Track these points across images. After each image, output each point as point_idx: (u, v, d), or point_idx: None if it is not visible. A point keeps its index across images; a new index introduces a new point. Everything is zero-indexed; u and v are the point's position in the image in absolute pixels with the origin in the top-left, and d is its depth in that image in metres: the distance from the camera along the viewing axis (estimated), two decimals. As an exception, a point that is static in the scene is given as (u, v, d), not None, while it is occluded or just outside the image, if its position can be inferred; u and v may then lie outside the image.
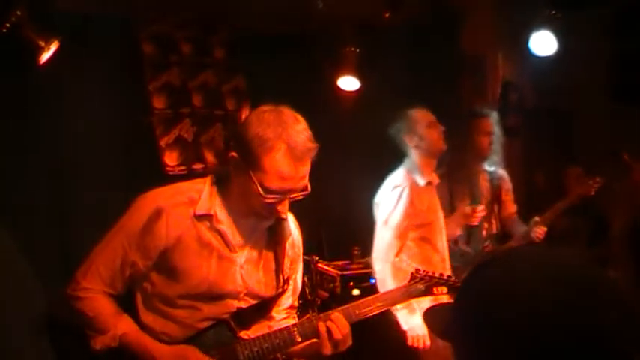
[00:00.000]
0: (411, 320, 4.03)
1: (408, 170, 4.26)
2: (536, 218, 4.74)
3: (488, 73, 5.88)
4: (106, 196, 4.87)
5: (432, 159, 4.29)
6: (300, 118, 2.35)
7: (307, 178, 2.37)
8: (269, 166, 2.27)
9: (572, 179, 5.51)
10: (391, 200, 4.17)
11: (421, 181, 4.21)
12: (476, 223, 4.47)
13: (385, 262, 4.11)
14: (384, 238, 4.16)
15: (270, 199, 2.31)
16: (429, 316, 1.38)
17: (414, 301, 3.70)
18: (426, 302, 3.78)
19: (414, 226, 4.16)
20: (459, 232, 4.51)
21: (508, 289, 1.04)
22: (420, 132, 4.21)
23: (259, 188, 2.29)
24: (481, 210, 4.45)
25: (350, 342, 2.51)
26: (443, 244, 4.31)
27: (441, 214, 4.34)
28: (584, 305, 1.01)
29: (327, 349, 2.47)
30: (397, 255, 4.15)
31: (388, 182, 4.29)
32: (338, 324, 2.47)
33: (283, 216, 2.47)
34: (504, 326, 1.01)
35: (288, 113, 2.33)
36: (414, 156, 4.26)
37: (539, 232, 4.67)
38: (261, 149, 2.26)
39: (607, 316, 1.00)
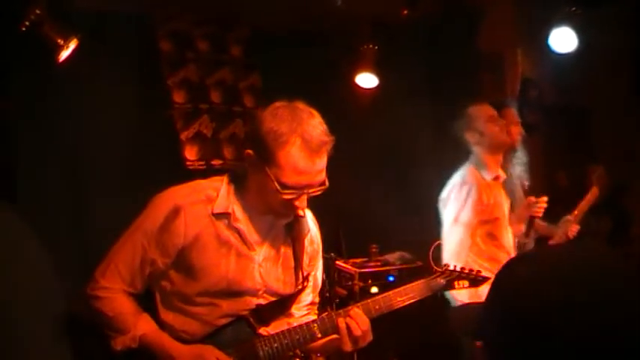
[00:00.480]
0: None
1: (474, 166, 4.20)
2: (568, 217, 4.70)
3: (507, 70, 5.84)
4: (127, 191, 4.89)
5: (496, 154, 4.24)
6: (315, 113, 2.34)
7: (324, 172, 2.35)
8: (285, 160, 2.25)
9: (594, 177, 5.46)
10: (460, 197, 4.08)
11: (488, 177, 4.16)
12: (540, 215, 4.35)
13: (458, 262, 4.00)
14: (455, 236, 4.05)
15: (288, 194, 2.30)
16: (456, 315, 1.36)
17: None
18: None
19: (482, 222, 4.08)
20: (523, 227, 4.39)
21: (540, 288, 1.03)
22: (480, 128, 4.17)
23: (276, 184, 2.27)
24: (544, 200, 4.31)
25: (370, 338, 2.50)
26: (508, 240, 4.24)
27: (506, 210, 4.27)
28: (617, 303, 0.99)
29: (347, 346, 2.45)
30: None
31: (455, 179, 4.19)
32: (357, 320, 2.45)
33: (301, 212, 2.46)
34: (537, 325, 1.00)
35: (302, 108, 2.33)
36: (478, 152, 4.21)
37: (573, 230, 4.63)
38: (275, 144, 2.25)
39: (632, 317, 0.98)
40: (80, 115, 5.05)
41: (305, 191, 2.33)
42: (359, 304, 2.54)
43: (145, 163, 5.30)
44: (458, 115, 4.28)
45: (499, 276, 1.15)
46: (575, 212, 4.73)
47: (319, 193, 2.38)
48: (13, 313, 1.49)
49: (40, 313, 1.59)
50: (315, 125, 2.29)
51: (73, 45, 4.23)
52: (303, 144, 2.25)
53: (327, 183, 2.37)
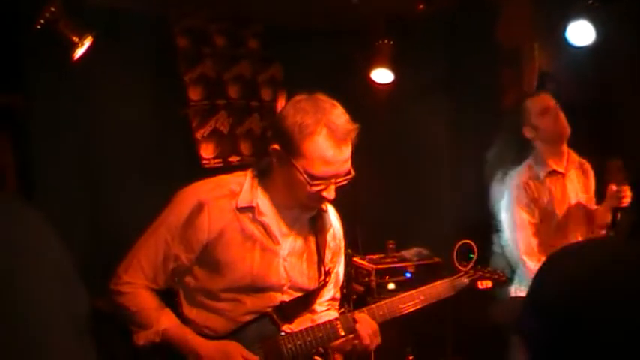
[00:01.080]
0: None
1: (531, 163, 4.06)
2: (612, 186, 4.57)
3: (524, 65, 5.80)
4: (142, 190, 4.89)
5: (555, 146, 4.09)
6: (337, 103, 2.36)
7: (350, 161, 2.35)
8: (312, 151, 2.26)
9: (613, 171, 5.41)
10: (512, 200, 4.00)
11: (541, 173, 4.02)
12: (626, 204, 4.10)
13: (532, 261, 3.85)
14: (519, 240, 3.94)
15: (317, 185, 2.30)
16: (498, 311, 1.35)
17: None
18: None
19: (544, 220, 3.97)
20: (609, 217, 4.17)
21: (586, 282, 1.00)
22: (533, 122, 4.04)
23: (304, 176, 2.28)
24: (626, 189, 4.10)
25: (378, 341, 2.53)
26: (584, 234, 4.12)
27: (574, 202, 4.12)
28: None
29: (366, 340, 2.50)
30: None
31: (510, 181, 4.08)
32: (363, 324, 2.49)
33: (330, 199, 2.43)
34: (576, 322, 0.98)
35: (324, 99, 2.34)
36: (538, 148, 4.07)
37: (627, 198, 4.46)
38: (301, 136, 2.26)
39: None
40: (95, 113, 5.05)
41: (333, 181, 2.33)
42: (383, 302, 2.56)
43: (161, 162, 5.31)
44: (512, 112, 4.20)
45: (541, 270, 1.13)
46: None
47: (346, 182, 2.38)
48: (37, 313, 1.48)
49: (63, 311, 1.58)
50: (339, 115, 2.31)
51: (88, 42, 4.23)
52: (329, 133, 2.26)
53: (352, 172, 2.37)
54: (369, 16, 5.52)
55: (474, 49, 5.58)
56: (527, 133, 4.04)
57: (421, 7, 5.20)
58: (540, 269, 1.13)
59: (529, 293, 1.11)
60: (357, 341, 2.51)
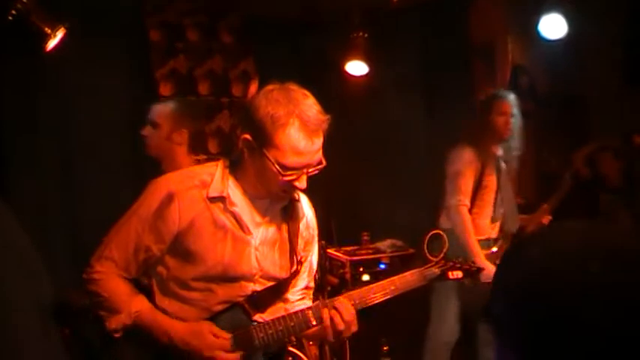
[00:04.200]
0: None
1: None
2: (544, 206, 4.75)
3: (497, 58, 5.84)
4: (116, 183, 4.88)
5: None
6: (308, 93, 2.36)
7: (321, 151, 2.37)
8: (284, 142, 2.27)
9: (604, 163, 5.49)
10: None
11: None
12: None
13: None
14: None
15: (288, 175, 2.32)
16: (467, 297, 1.36)
17: None
18: None
19: None
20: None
21: (554, 266, 1.01)
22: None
23: (276, 166, 2.29)
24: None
25: (355, 329, 2.51)
26: None
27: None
28: (632, 281, 0.98)
29: (330, 337, 2.49)
30: None
31: None
32: (342, 312, 2.47)
33: (302, 188, 2.44)
34: (552, 305, 0.98)
35: (295, 89, 2.35)
36: None
37: (546, 220, 4.69)
38: (273, 127, 2.27)
39: None
40: (69, 104, 5.03)
41: (304, 171, 2.35)
42: (353, 292, 2.56)
43: (135, 157, 5.29)
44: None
45: (507, 256, 1.13)
46: (550, 202, 4.78)
47: (317, 172, 2.39)
48: (6, 307, 1.48)
49: (28, 298, 1.58)
50: (311, 105, 2.32)
51: (60, 34, 4.19)
52: (301, 124, 2.27)
53: (324, 162, 2.39)
54: (344, 9, 5.52)
55: (448, 42, 5.61)
56: None
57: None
58: (509, 253, 1.14)
59: (497, 277, 1.12)
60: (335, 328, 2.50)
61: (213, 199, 2.42)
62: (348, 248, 5.55)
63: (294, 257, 2.58)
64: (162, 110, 3.94)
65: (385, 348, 5.15)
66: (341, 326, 2.45)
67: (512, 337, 1.05)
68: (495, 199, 4.58)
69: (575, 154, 5.19)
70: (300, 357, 4.51)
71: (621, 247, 1.03)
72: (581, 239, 1.04)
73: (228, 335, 2.42)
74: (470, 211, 4.46)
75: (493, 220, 4.59)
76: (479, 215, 4.53)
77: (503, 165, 4.65)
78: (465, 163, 4.50)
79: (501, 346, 1.09)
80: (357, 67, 5.55)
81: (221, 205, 2.43)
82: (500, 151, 4.64)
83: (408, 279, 2.71)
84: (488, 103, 4.62)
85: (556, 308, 0.98)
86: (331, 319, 2.46)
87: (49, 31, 4.16)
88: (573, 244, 1.03)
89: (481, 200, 4.53)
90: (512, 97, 4.62)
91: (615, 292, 0.96)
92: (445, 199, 4.58)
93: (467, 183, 4.48)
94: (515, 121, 4.57)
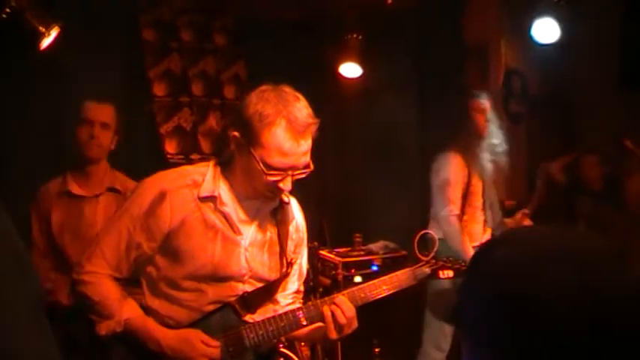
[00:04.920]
0: None
1: None
2: (524, 210, 4.76)
3: (490, 61, 5.86)
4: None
5: None
6: (300, 96, 2.37)
7: (309, 154, 2.37)
8: (269, 141, 2.28)
9: (587, 167, 5.54)
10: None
11: None
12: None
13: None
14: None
15: (273, 175, 2.32)
16: (433, 301, 1.37)
17: None
18: None
19: None
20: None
21: (518, 269, 1.02)
22: None
23: (261, 165, 2.30)
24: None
25: (355, 325, 2.51)
26: None
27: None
28: (602, 281, 0.99)
29: (333, 334, 2.47)
30: None
31: None
32: (342, 308, 2.46)
33: (285, 198, 2.47)
34: (517, 307, 1.00)
35: (288, 91, 2.35)
36: None
37: (527, 224, 4.72)
38: (261, 125, 2.27)
39: (613, 295, 0.98)
40: (62, 104, 5.02)
41: (290, 173, 2.35)
42: (344, 292, 2.56)
43: (129, 155, 5.29)
44: None
45: (475, 258, 1.13)
46: (529, 207, 4.80)
47: (304, 175, 2.40)
48: (1, 307, 1.48)
49: (27, 304, 1.58)
50: (301, 108, 2.32)
51: (54, 33, 4.19)
52: (288, 125, 2.28)
53: (311, 166, 2.39)
54: (337, 11, 5.53)
55: (442, 45, 5.63)
56: None
57: (390, 1, 5.22)
58: (475, 256, 1.14)
59: (464, 280, 1.12)
60: (323, 331, 2.51)
61: (204, 199, 2.42)
62: (341, 250, 5.55)
63: (284, 259, 2.59)
64: (109, 110, 3.94)
65: (377, 350, 5.15)
66: (343, 320, 2.45)
67: (480, 339, 1.06)
68: (483, 203, 4.58)
69: (548, 164, 5.25)
70: (292, 358, 4.53)
71: (585, 248, 1.05)
72: (545, 242, 1.05)
73: (218, 343, 2.42)
74: (460, 219, 4.46)
75: (484, 225, 4.59)
76: (470, 221, 4.52)
77: (488, 166, 4.62)
78: (452, 171, 4.48)
79: (470, 349, 1.10)
80: (350, 69, 5.56)
81: (212, 205, 2.43)
82: (484, 153, 4.61)
83: (398, 278, 2.72)
84: (464, 104, 4.62)
85: (525, 308, 0.99)
86: (332, 314, 2.46)
87: (43, 29, 4.16)
88: (537, 246, 1.05)
89: (470, 206, 4.52)
90: (485, 96, 4.62)
91: (579, 292, 0.98)
92: (433, 210, 4.57)
93: (456, 192, 4.46)
94: (492, 118, 4.57)
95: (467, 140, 4.54)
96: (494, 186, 4.72)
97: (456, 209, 4.44)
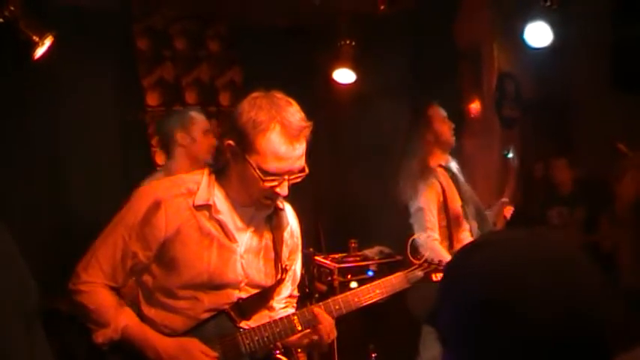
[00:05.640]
0: None
1: None
2: (503, 199, 4.76)
3: (483, 65, 5.88)
4: (103, 189, 4.88)
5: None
6: (292, 101, 2.39)
7: (304, 158, 2.39)
8: (265, 147, 2.29)
9: (556, 169, 5.60)
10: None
11: None
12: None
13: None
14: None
15: (269, 181, 2.34)
16: (412, 297, 1.37)
17: None
18: None
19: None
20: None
21: (493, 276, 1.03)
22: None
23: (257, 171, 2.31)
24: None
25: (334, 335, 2.57)
26: None
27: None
28: (576, 286, 1.01)
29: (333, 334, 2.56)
30: None
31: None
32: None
33: (280, 205, 2.49)
34: (491, 313, 1.00)
35: (280, 97, 2.37)
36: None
37: (509, 210, 4.72)
38: (255, 131, 2.29)
39: (586, 301, 1.00)
40: (56, 113, 5.03)
41: (286, 177, 2.36)
42: (339, 297, 2.58)
43: (121, 164, 5.30)
44: None
45: (452, 263, 1.15)
46: (506, 194, 4.76)
47: (299, 179, 2.42)
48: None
49: (10, 299, 1.58)
50: (294, 112, 2.34)
51: (48, 42, 4.20)
52: (282, 130, 2.29)
53: (307, 169, 2.41)
54: (331, 16, 5.54)
55: (435, 49, 5.64)
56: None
57: (383, 7, 5.24)
58: (453, 261, 1.16)
59: (441, 284, 1.13)
60: (315, 337, 2.54)
61: (199, 208, 2.43)
62: (336, 255, 5.56)
63: (279, 265, 2.60)
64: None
65: (373, 355, 5.16)
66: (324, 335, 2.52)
67: (455, 342, 1.07)
68: (464, 210, 4.43)
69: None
70: (289, 364, 4.53)
71: (560, 254, 1.06)
72: (520, 249, 1.06)
73: (216, 354, 2.42)
74: (450, 236, 4.36)
75: (471, 230, 4.49)
76: (457, 231, 4.41)
77: (456, 171, 4.50)
78: (424, 197, 4.30)
79: (446, 351, 1.11)
80: (344, 75, 5.57)
81: (207, 213, 2.44)
82: (453, 161, 4.50)
83: (391, 282, 2.74)
84: (424, 114, 4.42)
85: (500, 314, 1.00)
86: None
87: (37, 39, 4.16)
88: (512, 253, 1.06)
89: (453, 219, 4.38)
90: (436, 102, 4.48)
91: (559, 298, 0.99)
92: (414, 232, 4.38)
93: (431, 215, 4.30)
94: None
95: (432, 153, 4.38)
96: (469, 187, 4.55)
97: (434, 234, 4.28)
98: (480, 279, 1.05)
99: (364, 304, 2.64)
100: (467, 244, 1.17)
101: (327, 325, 2.52)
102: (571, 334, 0.98)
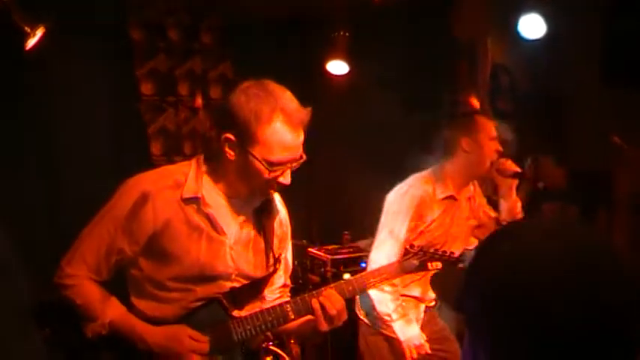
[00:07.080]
0: (408, 331, 3.63)
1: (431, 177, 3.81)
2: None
3: (479, 57, 5.88)
4: (97, 182, 4.85)
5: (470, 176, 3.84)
6: (285, 88, 2.36)
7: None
8: (270, 137, 2.27)
9: (545, 169, 5.60)
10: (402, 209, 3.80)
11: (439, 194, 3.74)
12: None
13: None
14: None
15: (275, 170, 2.32)
16: (438, 283, 1.37)
17: (411, 312, 3.68)
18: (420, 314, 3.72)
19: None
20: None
21: (518, 266, 1.03)
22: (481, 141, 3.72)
23: (263, 163, 2.29)
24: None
25: (345, 317, 2.50)
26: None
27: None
28: (606, 281, 1.00)
29: (323, 326, 2.46)
30: None
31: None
32: (331, 300, 2.46)
33: (287, 183, 2.41)
34: (516, 302, 1.01)
35: (273, 85, 2.34)
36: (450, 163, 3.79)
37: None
38: (258, 123, 2.26)
39: (611, 293, 1.00)
40: (50, 104, 5.02)
41: (289, 165, 2.35)
42: (332, 285, 2.56)
43: (118, 155, 5.28)
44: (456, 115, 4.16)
45: (480, 250, 1.14)
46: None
47: (298, 165, 2.39)
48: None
49: (10, 304, 1.58)
50: (291, 99, 2.33)
51: (39, 33, 4.17)
52: (286, 118, 2.28)
53: (304, 156, 2.40)
54: (325, 8, 5.53)
55: (430, 41, 5.63)
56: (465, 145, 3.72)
57: (377, -1, 5.22)
58: (481, 248, 1.15)
59: (469, 271, 1.13)
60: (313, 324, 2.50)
61: (187, 200, 2.39)
62: (330, 247, 5.56)
63: (271, 256, 2.58)
64: None
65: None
66: (333, 312, 2.43)
67: (479, 329, 1.08)
68: None
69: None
70: (282, 356, 4.54)
71: (587, 244, 1.06)
72: (545, 238, 1.06)
73: (206, 338, 2.41)
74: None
75: None
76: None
77: None
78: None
79: (471, 338, 1.11)
80: (338, 67, 5.56)
81: (195, 206, 2.40)
82: None
83: (386, 270, 2.72)
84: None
85: (526, 304, 1.00)
86: (322, 305, 2.44)
87: (28, 30, 4.14)
88: (538, 243, 1.05)
89: None
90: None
91: (584, 290, 0.99)
92: None
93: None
94: None
95: None
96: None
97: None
98: (503, 269, 1.05)
99: (358, 292, 2.63)
100: (494, 231, 1.18)
101: (340, 306, 2.47)
102: (595, 326, 0.98)
